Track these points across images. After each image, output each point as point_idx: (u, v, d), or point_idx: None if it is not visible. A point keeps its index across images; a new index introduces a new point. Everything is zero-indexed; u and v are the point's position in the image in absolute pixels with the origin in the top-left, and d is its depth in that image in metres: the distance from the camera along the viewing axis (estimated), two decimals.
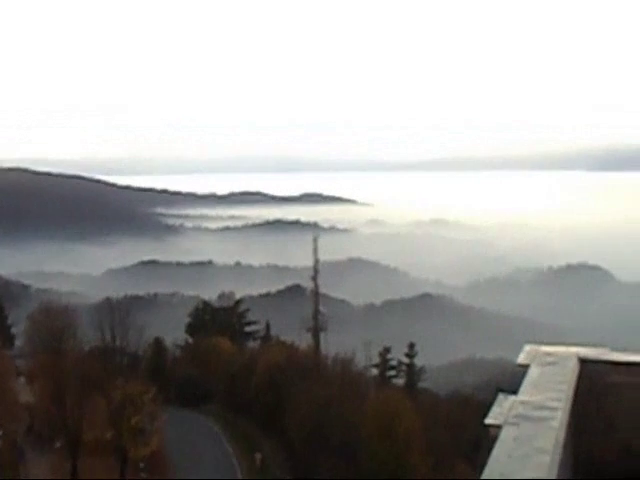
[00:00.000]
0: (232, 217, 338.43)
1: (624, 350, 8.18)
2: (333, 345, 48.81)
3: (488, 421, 5.47)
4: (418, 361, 52.32)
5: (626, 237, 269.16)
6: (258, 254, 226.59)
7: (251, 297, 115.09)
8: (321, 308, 51.38)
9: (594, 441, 6.57)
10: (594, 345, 7.56)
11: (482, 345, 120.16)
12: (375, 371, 47.69)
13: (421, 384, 50.81)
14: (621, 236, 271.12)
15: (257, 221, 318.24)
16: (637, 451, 6.54)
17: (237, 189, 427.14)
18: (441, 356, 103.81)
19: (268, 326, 60.76)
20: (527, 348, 6.98)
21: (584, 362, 6.56)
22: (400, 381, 48.49)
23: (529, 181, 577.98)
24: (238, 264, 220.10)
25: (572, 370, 6.25)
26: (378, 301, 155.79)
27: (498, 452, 4.51)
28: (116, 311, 45.96)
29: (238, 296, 69.74)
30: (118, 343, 44.70)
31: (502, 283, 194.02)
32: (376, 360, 48.19)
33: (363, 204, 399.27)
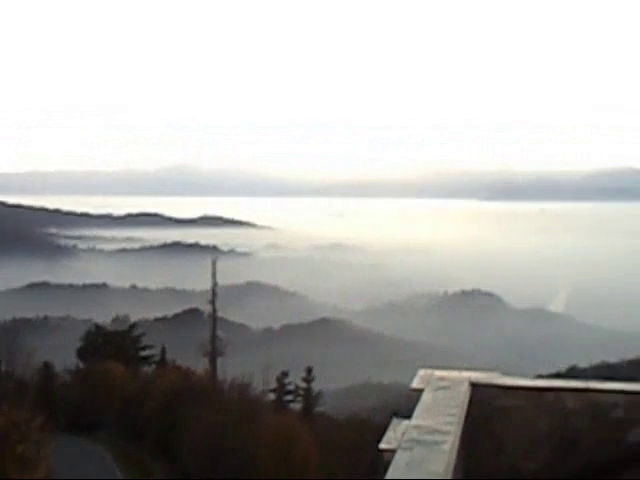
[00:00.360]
0: (128, 239, 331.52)
1: (514, 373, 8.41)
2: (231, 370, 48.27)
3: (382, 446, 5.49)
4: (316, 385, 52.36)
5: (517, 264, 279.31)
6: (155, 277, 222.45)
7: (147, 321, 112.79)
8: (219, 332, 50.91)
9: (484, 463, 6.69)
10: (486, 368, 7.75)
11: (379, 369, 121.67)
12: (272, 396, 47.41)
13: (318, 408, 50.80)
14: (512, 263, 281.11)
15: (154, 243, 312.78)
16: (525, 472, 6.71)
17: (134, 210, 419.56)
18: (339, 380, 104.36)
19: (164, 350, 59.51)
20: (421, 373, 7.07)
21: (475, 386, 6.69)
22: (297, 406, 48.36)
23: (426, 208, 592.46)
24: (134, 287, 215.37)
25: (464, 394, 6.36)
26: (277, 325, 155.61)
27: (391, 476, 4.52)
28: (2, 334, 44.10)
29: (133, 320, 68.22)
30: (4, 368, 42.84)
31: (399, 308, 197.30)
32: (274, 385, 47.96)
33: (262, 227, 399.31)
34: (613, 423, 6.51)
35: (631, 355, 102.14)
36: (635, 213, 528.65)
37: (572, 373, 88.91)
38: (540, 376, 58.12)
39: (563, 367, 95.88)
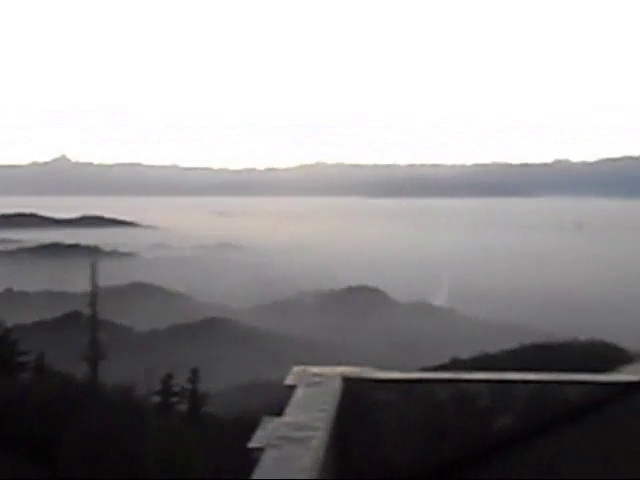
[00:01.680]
0: (3, 240, 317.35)
1: (399, 367, 8.52)
2: (115, 373, 46.99)
3: (251, 445, 5.42)
4: (203, 386, 51.75)
5: (401, 260, 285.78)
6: (33, 280, 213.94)
7: (24, 325, 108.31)
8: (100, 335, 49.47)
9: (357, 457, 6.74)
10: (369, 363, 7.80)
11: (267, 367, 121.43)
12: (157, 398, 46.53)
13: (205, 409, 50.23)
14: (397, 259, 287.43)
15: (31, 244, 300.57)
16: (397, 464, 6.80)
17: (9, 210, 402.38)
18: (227, 380, 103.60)
19: (42, 356, 57.35)
20: (295, 369, 7.05)
21: (348, 381, 6.73)
22: (183, 407, 47.66)
23: (311, 206, 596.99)
24: (9, 290, 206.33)
25: (336, 389, 6.37)
26: (162, 326, 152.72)
27: (259, 475, 4.46)
28: None
29: (9, 324, 65.38)
30: None
31: (286, 305, 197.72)
32: (159, 387, 47.10)
33: (147, 227, 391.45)
34: (479, 412, 6.69)
35: (509, 345, 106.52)
36: (510, 208, 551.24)
37: (454, 365, 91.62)
38: (425, 368, 59.66)
39: (446, 359, 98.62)
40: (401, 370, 7.32)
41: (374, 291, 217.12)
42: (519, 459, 6.22)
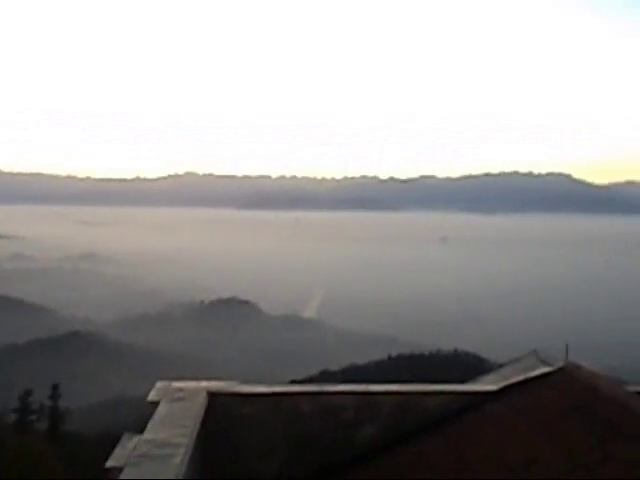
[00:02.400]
0: None
1: (268, 381, 8.48)
2: None
3: (109, 464, 5.23)
4: (65, 402, 49.76)
5: (273, 273, 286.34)
6: None
7: None
8: None
9: (222, 471, 6.65)
10: (239, 377, 7.72)
11: (134, 382, 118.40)
12: (14, 416, 44.33)
13: (68, 427, 48.33)
14: (268, 272, 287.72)
15: None
16: (262, 476, 6.76)
17: None
18: (91, 396, 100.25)
19: None
20: (158, 385, 6.87)
21: (213, 396, 6.63)
22: (43, 425, 45.64)
23: (180, 216, 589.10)
24: None
25: (200, 404, 6.26)
26: (22, 341, 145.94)
27: None
28: None
29: None
30: None
31: (153, 318, 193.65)
32: (16, 405, 44.89)
33: (6, 237, 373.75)
34: (344, 423, 6.75)
35: (377, 356, 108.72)
36: (378, 222, 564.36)
37: (324, 377, 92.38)
38: (294, 381, 59.89)
39: (315, 371, 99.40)
40: (270, 383, 7.29)
41: (244, 303, 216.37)
42: (381, 468, 6.32)
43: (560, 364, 6.89)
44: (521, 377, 6.78)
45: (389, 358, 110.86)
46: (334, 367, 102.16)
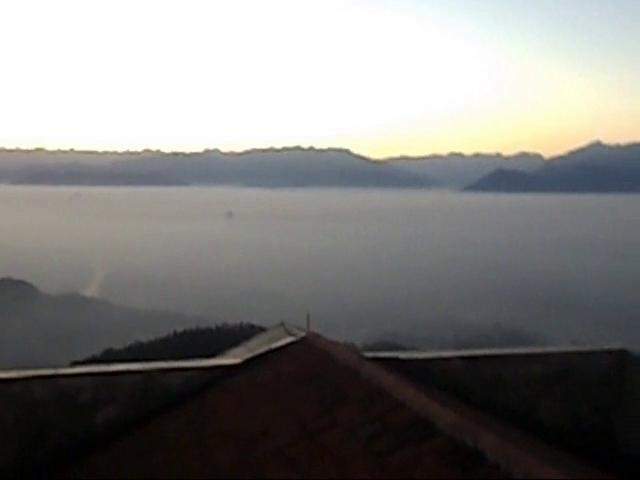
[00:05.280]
0: None
1: (48, 363, 7.90)
2: None
3: None
4: None
5: (51, 251, 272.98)
6: None
7: None
8: None
9: None
10: (21, 360, 7.11)
11: None
12: None
13: None
14: (46, 250, 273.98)
15: None
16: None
17: None
18: None
19: None
20: None
21: None
22: None
23: None
24: None
25: None
26: None
27: None
28: None
29: None
30: None
31: None
32: None
33: None
34: (81, 407, 6.46)
35: (163, 333, 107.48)
36: (162, 197, 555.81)
37: (108, 356, 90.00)
38: (76, 362, 57.50)
39: (99, 351, 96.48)
40: (50, 366, 6.81)
41: (19, 283, 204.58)
42: (119, 452, 6.11)
43: (302, 334, 7.03)
44: (264, 349, 6.85)
45: (175, 334, 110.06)
46: (118, 346, 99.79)
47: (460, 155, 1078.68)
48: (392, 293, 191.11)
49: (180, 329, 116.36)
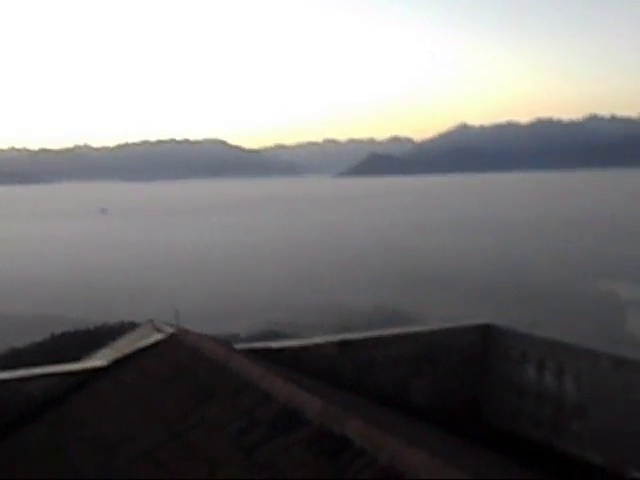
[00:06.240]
0: None
1: None
2: None
3: None
4: None
5: None
6: None
7: None
8: None
9: None
10: None
11: None
12: None
13: None
14: None
15: None
16: None
17: None
18: None
19: None
20: None
21: None
22: None
23: None
24: None
25: None
26: None
27: None
28: None
29: None
30: None
31: None
32: None
33: None
34: None
35: (39, 337, 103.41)
36: (29, 195, 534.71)
37: None
38: None
39: None
40: None
41: None
42: None
43: (170, 331, 6.84)
44: (131, 349, 6.61)
45: (52, 337, 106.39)
46: None
47: (334, 142, 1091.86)
48: (274, 282, 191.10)
49: (58, 331, 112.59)
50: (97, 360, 6.83)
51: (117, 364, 6.45)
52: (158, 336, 6.85)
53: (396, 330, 7.61)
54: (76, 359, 6.90)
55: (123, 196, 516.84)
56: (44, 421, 5.96)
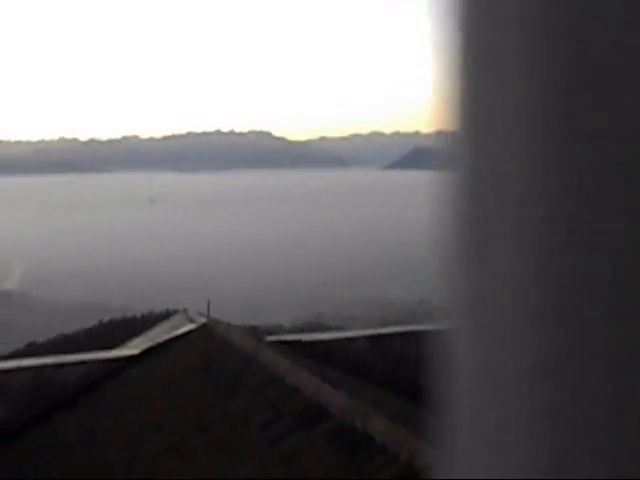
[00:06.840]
0: None
1: None
2: None
3: None
4: None
5: None
6: None
7: None
8: None
9: None
10: None
11: None
12: None
13: None
14: None
15: None
16: None
17: None
18: None
19: None
20: None
21: None
22: None
23: None
24: None
25: None
26: None
27: None
28: None
29: None
30: None
31: None
32: None
33: None
34: None
35: (87, 324, 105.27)
36: (81, 186, 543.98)
37: (30, 349, 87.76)
38: None
39: (21, 345, 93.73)
40: None
41: None
42: (13, 453, 5.85)
43: (202, 321, 6.87)
44: (163, 338, 6.67)
45: (100, 324, 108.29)
46: (42, 339, 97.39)
47: (380, 134, 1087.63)
48: (320, 274, 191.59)
49: (106, 319, 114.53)
50: (130, 349, 6.90)
51: (148, 353, 6.51)
52: (190, 326, 6.88)
53: (431, 325, 7.53)
54: (122, 345, 6.98)
55: (171, 186, 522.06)
56: (76, 409, 6.03)
